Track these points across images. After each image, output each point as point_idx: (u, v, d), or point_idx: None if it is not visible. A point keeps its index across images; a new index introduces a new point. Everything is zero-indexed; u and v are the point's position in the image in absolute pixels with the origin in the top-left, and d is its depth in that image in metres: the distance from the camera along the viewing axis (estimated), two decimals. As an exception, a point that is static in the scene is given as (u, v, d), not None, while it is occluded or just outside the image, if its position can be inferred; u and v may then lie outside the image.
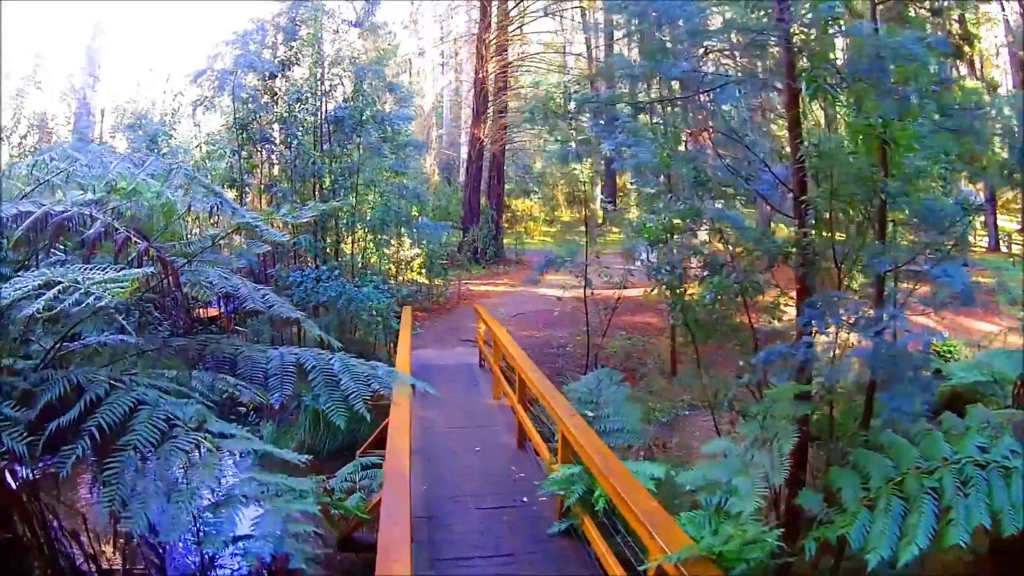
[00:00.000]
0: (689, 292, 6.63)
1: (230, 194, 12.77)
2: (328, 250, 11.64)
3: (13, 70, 14.59)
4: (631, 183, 29.35)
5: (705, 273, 6.10)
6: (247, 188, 12.41)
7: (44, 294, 2.46)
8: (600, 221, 27.86)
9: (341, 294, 10.02)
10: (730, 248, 6.10)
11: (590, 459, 5.06)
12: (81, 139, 14.08)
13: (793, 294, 7.70)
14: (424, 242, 13.22)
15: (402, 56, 25.04)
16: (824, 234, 5.85)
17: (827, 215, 6.18)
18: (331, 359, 3.63)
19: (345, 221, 11.96)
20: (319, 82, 11.95)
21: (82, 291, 2.31)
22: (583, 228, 27.50)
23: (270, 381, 3.54)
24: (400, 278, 14.62)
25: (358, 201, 11.63)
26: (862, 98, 6.53)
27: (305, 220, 4.10)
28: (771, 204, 5.95)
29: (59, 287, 2.35)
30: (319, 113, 11.97)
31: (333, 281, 10.31)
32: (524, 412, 7.86)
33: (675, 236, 6.82)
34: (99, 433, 2.85)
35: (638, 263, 20.14)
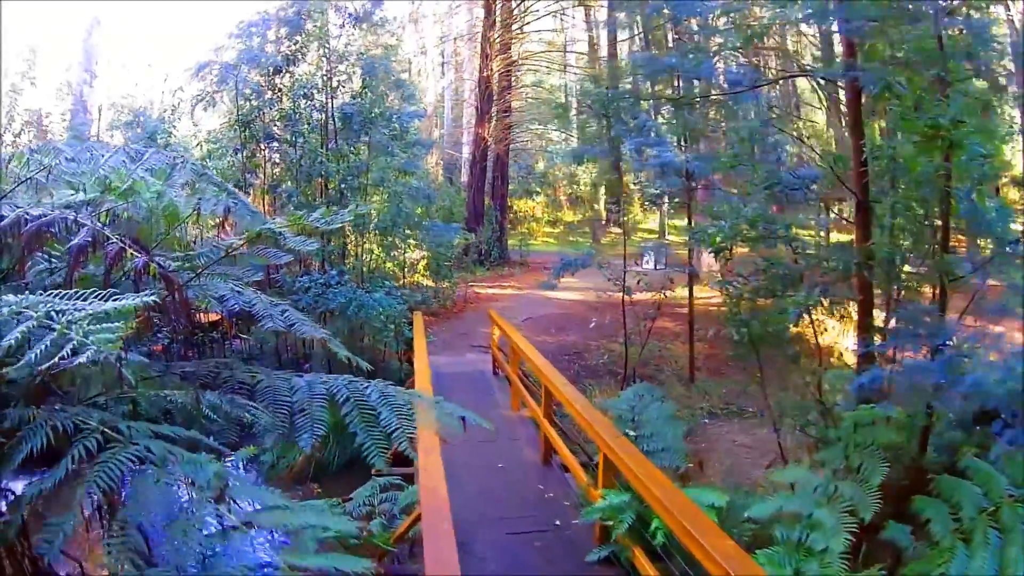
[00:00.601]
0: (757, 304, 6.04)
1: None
2: (335, 253, 10.94)
3: (7, 66, 13.89)
4: (634, 183, 28.87)
5: (776, 286, 5.53)
6: (250, 188, 11.72)
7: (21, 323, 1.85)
8: (604, 221, 27.36)
9: (351, 300, 9.35)
10: (803, 259, 5.54)
11: (647, 489, 4.51)
12: (76, 136, 13.37)
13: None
14: (427, 244, 12.50)
15: (403, 55, 24.38)
16: (893, 242, 5.34)
17: (893, 221, 5.68)
18: (367, 388, 3.01)
19: (353, 223, 11.31)
20: (327, 77, 11.26)
21: (56, 333, 1.67)
22: (587, 229, 27.22)
23: (297, 418, 2.93)
24: (404, 281, 13.96)
25: (368, 202, 10.96)
26: (923, 98, 6.06)
27: (338, 225, 3.47)
28: (833, 209, 5.43)
29: (27, 324, 1.71)
30: (326, 110, 11.29)
31: (342, 286, 9.64)
32: (551, 428, 7.29)
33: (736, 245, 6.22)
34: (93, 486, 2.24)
35: (646, 266, 19.65)
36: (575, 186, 29.13)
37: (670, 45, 19.87)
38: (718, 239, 5.61)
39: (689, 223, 13.75)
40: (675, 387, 12.12)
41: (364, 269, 11.14)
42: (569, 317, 15.04)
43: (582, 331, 14.31)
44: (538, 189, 27.88)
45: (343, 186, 10.88)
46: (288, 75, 11.58)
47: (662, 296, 10.91)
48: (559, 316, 15.09)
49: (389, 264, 13.02)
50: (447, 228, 12.13)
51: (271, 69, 11.58)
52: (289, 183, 11.29)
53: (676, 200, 25.80)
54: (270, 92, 11.54)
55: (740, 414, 12.75)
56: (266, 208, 12.10)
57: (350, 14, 12.11)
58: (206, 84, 11.50)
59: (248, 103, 11.37)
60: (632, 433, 6.23)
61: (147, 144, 11.15)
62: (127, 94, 13.48)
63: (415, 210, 11.54)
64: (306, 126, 11.31)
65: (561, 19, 27.19)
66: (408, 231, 11.29)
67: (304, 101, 11.29)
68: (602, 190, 27.06)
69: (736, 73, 9.83)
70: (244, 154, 11.52)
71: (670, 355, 13.14)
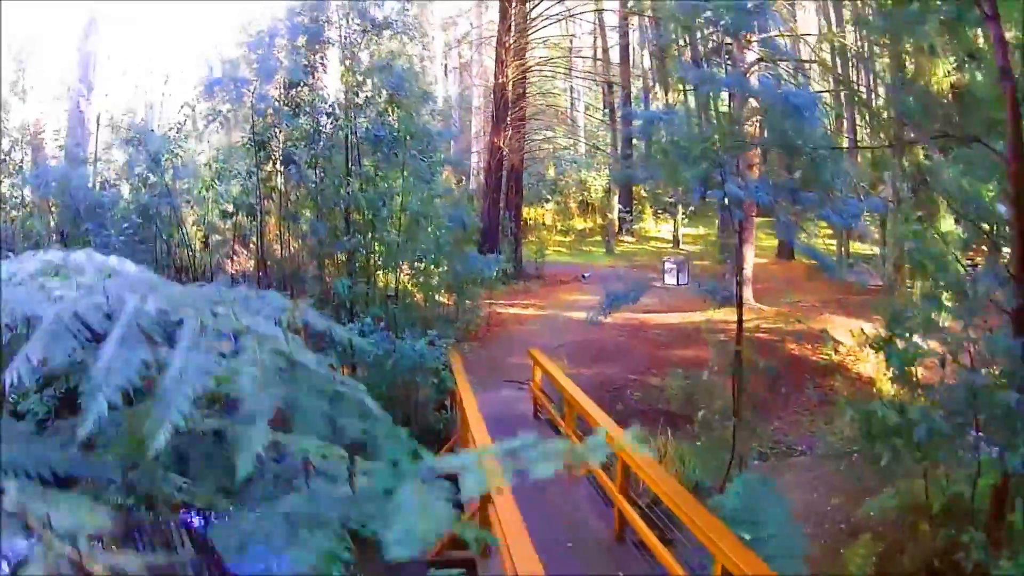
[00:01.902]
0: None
1: (244, 221, 10.70)
2: (368, 295, 9.57)
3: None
4: (644, 190, 27.71)
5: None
6: (266, 216, 10.41)
7: None
8: (616, 229, 26.17)
9: (389, 353, 8.12)
10: None
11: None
12: (71, 158, 11.97)
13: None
14: (464, 274, 11.10)
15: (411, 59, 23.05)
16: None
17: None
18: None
19: (382, 258, 9.95)
20: (354, 92, 9.93)
21: None
22: (599, 238, 26.05)
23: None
24: (424, 303, 12.63)
25: (400, 233, 9.65)
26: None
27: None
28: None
29: None
30: (350, 128, 9.99)
31: (377, 333, 8.38)
32: (629, 506, 6.22)
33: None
34: None
35: (669, 281, 18.50)
36: (585, 193, 27.96)
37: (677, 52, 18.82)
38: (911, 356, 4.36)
39: (739, 243, 12.61)
40: (725, 427, 11.06)
41: (395, 315, 9.58)
42: (603, 343, 13.74)
43: (618, 361, 13.11)
44: (548, 196, 26.68)
45: (370, 215, 9.56)
46: (307, 88, 10.24)
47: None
48: (592, 342, 13.73)
49: (411, 286, 11.72)
50: (486, 262, 10.81)
51: (287, 82, 10.26)
52: (310, 211, 9.97)
53: (691, 208, 24.78)
54: (287, 107, 10.19)
55: (789, 454, 11.71)
56: (281, 238, 10.74)
57: (372, 20, 10.74)
58: (216, 101, 10.15)
59: (263, 120, 10.04)
60: (747, 536, 5.19)
61: (150, 165, 9.80)
62: (128, 109, 11.97)
63: (446, 238, 10.23)
64: (330, 146, 9.97)
65: (568, 24, 25.97)
66: (445, 264, 10.03)
67: (326, 118, 9.97)
68: (615, 198, 25.91)
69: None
70: (259, 176, 10.19)
71: (712, 388, 12.02)
